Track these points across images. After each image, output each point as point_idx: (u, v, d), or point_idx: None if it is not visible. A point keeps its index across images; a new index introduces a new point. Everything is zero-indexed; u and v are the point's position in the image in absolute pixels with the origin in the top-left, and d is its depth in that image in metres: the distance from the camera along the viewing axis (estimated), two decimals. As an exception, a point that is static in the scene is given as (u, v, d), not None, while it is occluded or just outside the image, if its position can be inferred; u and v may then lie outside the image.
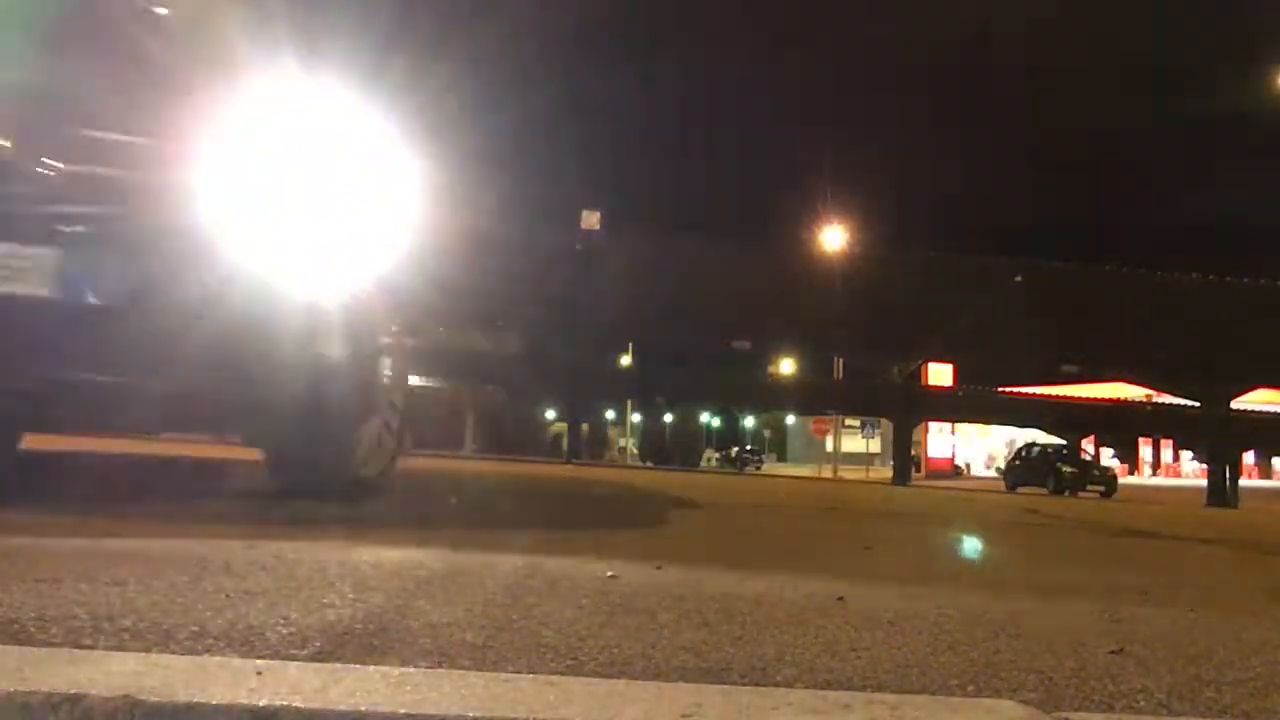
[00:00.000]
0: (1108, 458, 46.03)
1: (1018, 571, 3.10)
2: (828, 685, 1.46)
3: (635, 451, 63.45)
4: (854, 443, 51.17)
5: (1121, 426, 38.15)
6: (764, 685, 1.43)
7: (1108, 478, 27.18)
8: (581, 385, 22.10)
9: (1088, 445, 36.53)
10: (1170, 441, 65.25)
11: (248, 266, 3.03)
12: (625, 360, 41.71)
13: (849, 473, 40.81)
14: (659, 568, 2.54)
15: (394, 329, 4.07)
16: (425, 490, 4.92)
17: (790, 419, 78.73)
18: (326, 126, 3.35)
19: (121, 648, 1.37)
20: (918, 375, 27.24)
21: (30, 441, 3.87)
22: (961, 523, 5.59)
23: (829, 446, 47.30)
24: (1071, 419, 33.46)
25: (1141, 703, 1.49)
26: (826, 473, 41.42)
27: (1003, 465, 35.59)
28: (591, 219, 20.55)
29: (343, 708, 1.10)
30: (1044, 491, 25.48)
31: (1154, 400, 29.94)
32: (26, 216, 2.81)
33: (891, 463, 22.33)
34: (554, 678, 1.37)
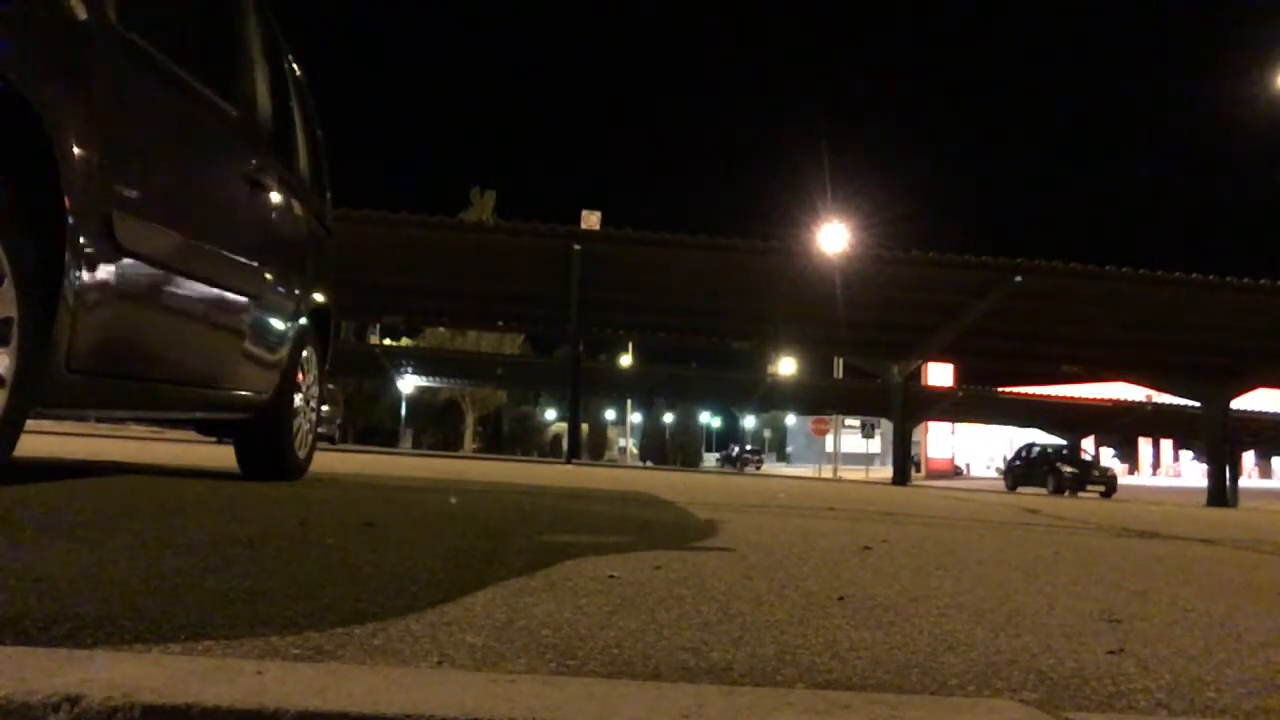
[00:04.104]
0: (1108, 458, 46.15)
1: (1017, 572, 3.10)
2: (828, 685, 1.46)
3: (635, 451, 63.50)
4: (854, 442, 51.22)
5: (1121, 426, 38.25)
6: (764, 685, 1.43)
7: (1108, 478, 27.18)
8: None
9: (1088, 445, 36.57)
10: (1170, 441, 65.34)
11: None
12: (625, 360, 41.74)
13: (849, 473, 40.86)
14: (659, 568, 2.54)
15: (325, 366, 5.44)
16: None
17: (790, 419, 78.79)
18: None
19: (121, 647, 1.37)
20: (918, 375, 27.28)
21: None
22: (962, 523, 5.59)
23: (829, 446, 47.35)
24: (1071, 419, 33.58)
25: (1141, 703, 1.49)
26: (826, 473, 41.46)
27: (1003, 465, 35.58)
28: (591, 219, 20.54)
29: (343, 708, 1.10)
30: (1044, 491, 25.49)
31: (1154, 400, 29.95)
32: None
33: (891, 463, 22.37)
34: (554, 678, 1.37)
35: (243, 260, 3.75)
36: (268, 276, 4.06)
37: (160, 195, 2.99)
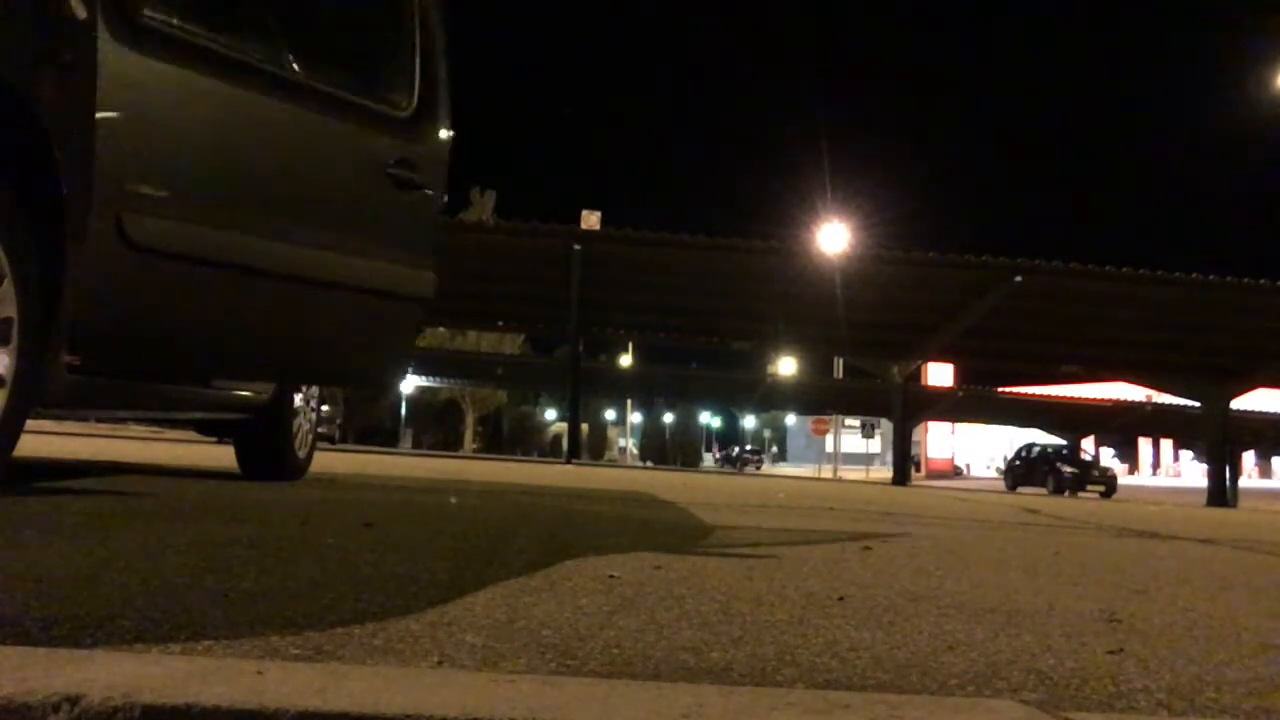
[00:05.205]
0: (1108, 458, 46.09)
1: (1017, 572, 3.10)
2: (828, 685, 1.46)
3: (635, 451, 63.50)
4: (854, 442, 51.22)
5: (1121, 426, 38.23)
6: (764, 685, 1.43)
7: (1108, 478, 27.17)
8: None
9: (1088, 445, 36.55)
10: (1170, 441, 65.30)
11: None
12: (625, 360, 41.74)
13: (849, 473, 40.85)
14: (659, 568, 2.54)
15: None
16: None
17: (790, 419, 78.75)
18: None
19: (121, 648, 1.37)
20: (918, 375, 27.28)
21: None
22: (962, 523, 5.59)
23: (829, 446, 47.34)
24: (1071, 419, 33.57)
25: (1141, 703, 1.49)
26: (826, 473, 41.44)
27: (1003, 465, 35.56)
28: (591, 219, 20.55)
29: (343, 708, 1.10)
30: (1044, 491, 25.47)
31: (1154, 400, 29.94)
32: None
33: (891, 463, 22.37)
34: (554, 678, 1.37)
35: (281, 254, 3.30)
36: (307, 271, 3.73)
37: (194, 189, 2.84)
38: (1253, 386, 19.81)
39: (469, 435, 48.05)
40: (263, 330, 3.33)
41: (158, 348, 3.02)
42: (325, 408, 6.73)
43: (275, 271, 3.22)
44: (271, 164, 3.20)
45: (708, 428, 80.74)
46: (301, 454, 5.01)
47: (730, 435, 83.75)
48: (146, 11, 2.65)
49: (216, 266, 3.01)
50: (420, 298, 3.73)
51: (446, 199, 3.87)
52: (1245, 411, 23.53)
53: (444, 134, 3.73)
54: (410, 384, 40.30)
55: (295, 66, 3.22)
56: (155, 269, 2.78)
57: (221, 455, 6.52)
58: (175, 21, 2.76)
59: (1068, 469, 27.39)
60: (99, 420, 10.11)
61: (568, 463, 17.12)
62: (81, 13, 2.49)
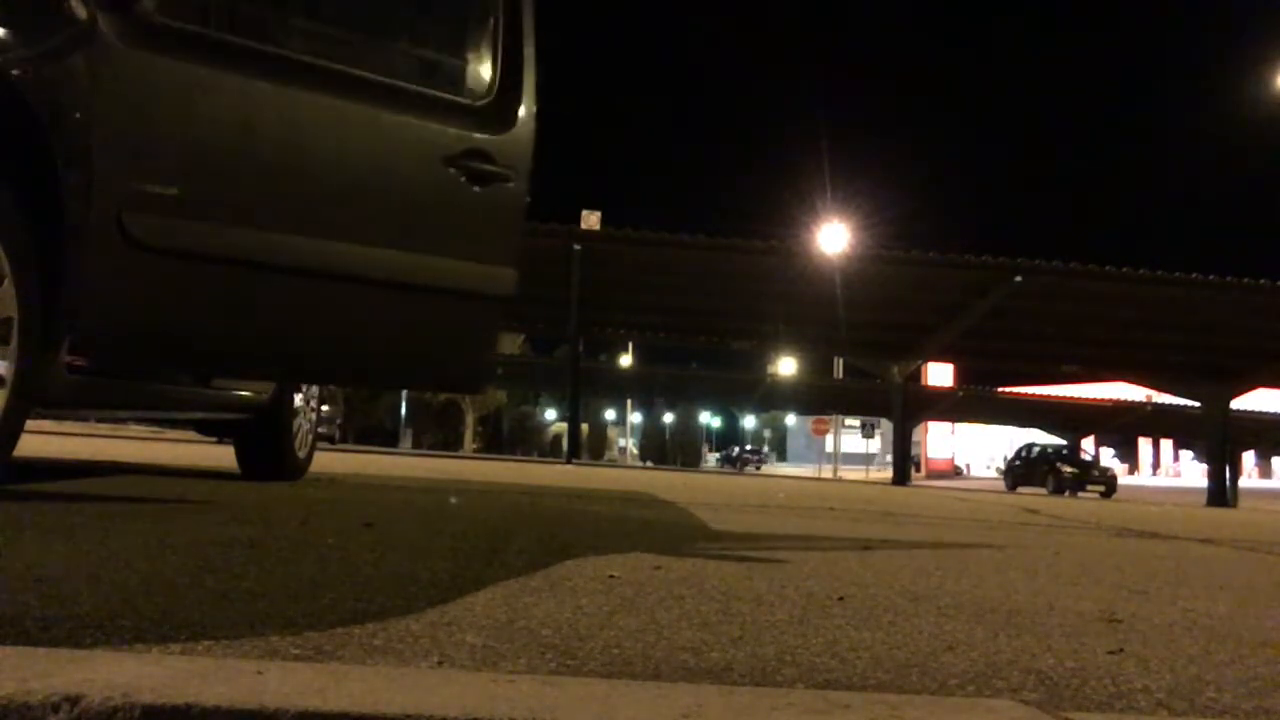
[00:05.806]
0: (1108, 458, 46.10)
1: (1017, 572, 3.10)
2: (828, 685, 1.46)
3: (635, 452, 63.52)
4: (854, 442, 51.25)
5: (1121, 426, 38.26)
6: (764, 685, 1.43)
7: (1107, 478, 27.17)
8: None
9: (1088, 445, 36.56)
10: (1170, 441, 65.35)
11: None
12: (625, 360, 41.73)
13: (849, 473, 40.85)
14: (659, 568, 2.54)
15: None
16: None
17: (790, 419, 78.78)
18: None
19: (121, 648, 1.37)
20: (918, 375, 27.29)
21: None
22: (961, 523, 5.59)
23: (829, 446, 47.37)
24: (1071, 419, 33.59)
25: (1141, 703, 1.49)
26: (826, 473, 41.44)
27: (1003, 465, 35.58)
28: (591, 219, 20.53)
29: (343, 708, 1.10)
30: (1044, 491, 25.47)
31: (1154, 400, 29.94)
32: None
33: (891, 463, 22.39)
34: (554, 678, 1.37)
35: (309, 251, 3.11)
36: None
37: (202, 185, 2.76)
38: (1253, 386, 19.82)
39: (469, 435, 48.04)
40: (277, 329, 3.15)
41: (161, 348, 2.99)
42: (325, 408, 6.73)
43: (299, 269, 3.03)
44: (299, 159, 3.02)
45: (708, 428, 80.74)
46: (301, 454, 5.01)
47: (730, 435, 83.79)
48: (148, 6, 2.64)
49: (227, 264, 2.89)
50: (497, 296, 3.44)
51: (529, 196, 3.55)
52: (1245, 411, 23.54)
53: (526, 123, 3.46)
54: (410, 384, 40.14)
55: (336, 56, 3.08)
56: (159, 268, 2.75)
57: (221, 455, 6.52)
58: (179, 15, 2.74)
59: (1068, 469, 27.39)
60: (99, 420, 10.11)
61: (568, 463, 17.12)
62: (81, 10, 2.48)
